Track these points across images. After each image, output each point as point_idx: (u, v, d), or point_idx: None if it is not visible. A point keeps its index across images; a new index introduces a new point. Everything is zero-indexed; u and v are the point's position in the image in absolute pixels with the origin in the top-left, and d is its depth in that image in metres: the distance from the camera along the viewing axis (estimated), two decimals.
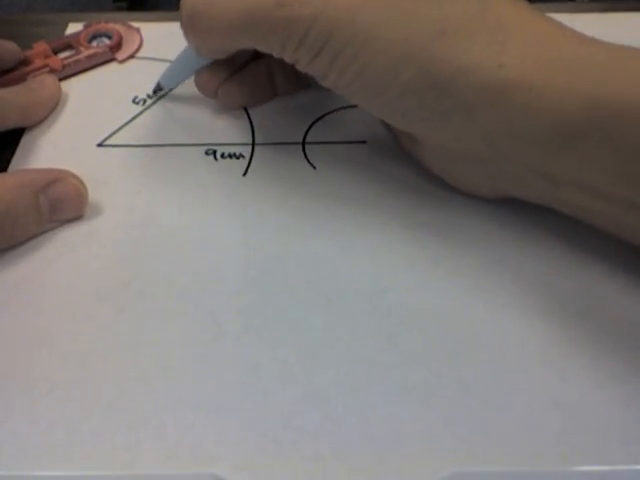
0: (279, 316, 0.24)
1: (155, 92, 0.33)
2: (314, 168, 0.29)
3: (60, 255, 0.26)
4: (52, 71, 0.34)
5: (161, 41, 0.36)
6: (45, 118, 0.32)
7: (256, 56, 0.31)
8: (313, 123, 0.31)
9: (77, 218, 0.27)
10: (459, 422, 0.21)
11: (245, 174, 0.29)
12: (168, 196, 0.28)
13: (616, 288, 0.25)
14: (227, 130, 0.31)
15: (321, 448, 0.21)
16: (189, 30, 0.26)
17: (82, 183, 0.27)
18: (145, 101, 0.33)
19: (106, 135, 0.31)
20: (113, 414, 0.21)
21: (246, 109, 0.32)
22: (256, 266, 0.26)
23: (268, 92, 0.32)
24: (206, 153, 0.30)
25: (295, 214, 0.27)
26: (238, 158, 0.30)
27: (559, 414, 0.21)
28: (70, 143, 0.31)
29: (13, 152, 0.30)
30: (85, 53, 0.35)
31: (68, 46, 0.36)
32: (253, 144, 0.30)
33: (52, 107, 0.32)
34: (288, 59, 0.25)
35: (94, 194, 0.28)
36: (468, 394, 0.22)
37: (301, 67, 0.25)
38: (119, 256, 0.26)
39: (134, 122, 0.32)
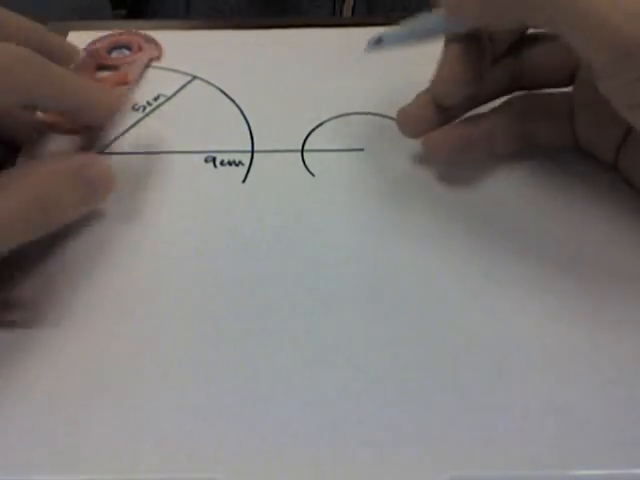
0: (278, 322, 0.24)
1: (373, 44, 0.27)
2: (313, 175, 0.30)
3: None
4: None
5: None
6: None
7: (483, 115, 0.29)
8: (312, 131, 0.32)
9: (104, 203, 0.27)
10: (457, 426, 0.21)
11: (244, 181, 0.29)
12: (168, 203, 0.28)
13: (615, 291, 0.25)
14: (227, 137, 0.31)
15: (320, 453, 0.21)
16: None
17: (110, 166, 0.26)
18: (145, 108, 0.33)
19: (106, 142, 0.31)
20: (113, 419, 0.21)
21: (244, 114, 0.32)
22: (255, 272, 0.26)
23: (482, 150, 0.28)
24: (205, 160, 0.30)
25: (294, 220, 0.28)
26: (237, 165, 0.30)
27: (557, 418, 0.21)
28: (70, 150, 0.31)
29: (14, 160, 0.30)
30: None
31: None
32: (252, 151, 0.31)
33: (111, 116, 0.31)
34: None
35: None
36: (465, 398, 0.22)
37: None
38: (118, 262, 0.26)
39: (134, 129, 0.32)
